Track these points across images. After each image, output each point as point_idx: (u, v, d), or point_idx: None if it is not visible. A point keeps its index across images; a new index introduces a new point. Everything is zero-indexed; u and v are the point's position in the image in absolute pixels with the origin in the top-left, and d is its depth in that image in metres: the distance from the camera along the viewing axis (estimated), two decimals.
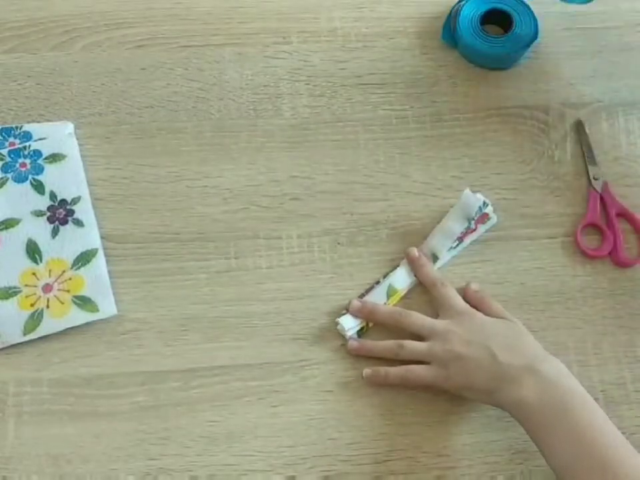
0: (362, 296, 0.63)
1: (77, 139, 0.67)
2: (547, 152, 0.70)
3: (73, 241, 0.64)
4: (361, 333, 0.63)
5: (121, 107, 0.69)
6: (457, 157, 0.69)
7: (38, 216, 0.64)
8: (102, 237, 0.64)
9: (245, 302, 0.64)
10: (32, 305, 0.61)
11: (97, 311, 0.62)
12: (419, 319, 0.61)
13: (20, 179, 0.65)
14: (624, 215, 0.68)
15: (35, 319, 0.61)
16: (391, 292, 0.63)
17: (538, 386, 0.54)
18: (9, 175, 0.65)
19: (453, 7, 0.74)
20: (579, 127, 0.70)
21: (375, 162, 0.69)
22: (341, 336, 0.63)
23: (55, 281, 0.62)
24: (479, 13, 0.72)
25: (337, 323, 0.62)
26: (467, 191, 0.64)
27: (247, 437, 0.60)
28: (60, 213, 0.64)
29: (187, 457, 0.59)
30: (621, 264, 0.66)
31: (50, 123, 0.68)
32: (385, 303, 0.63)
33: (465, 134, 0.70)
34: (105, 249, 0.64)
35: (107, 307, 0.62)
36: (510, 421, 0.60)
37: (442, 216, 0.66)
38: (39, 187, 0.65)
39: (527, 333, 0.60)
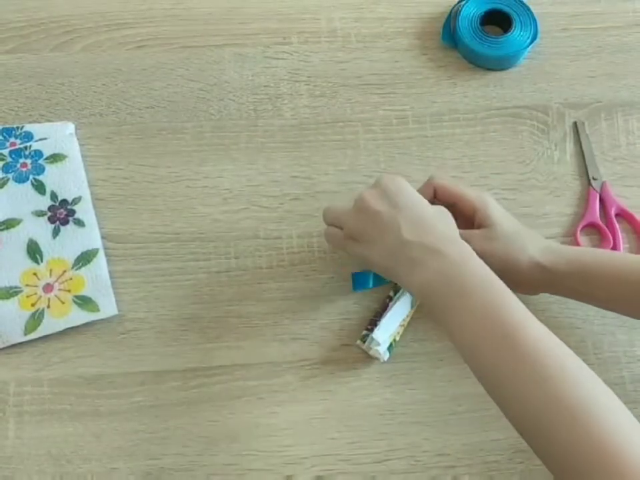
0: (384, 309, 0.62)
1: (78, 139, 0.68)
2: (547, 152, 0.70)
3: (74, 240, 0.64)
4: (392, 347, 0.61)
5: (122, 107, 0.69)
6: (456, 157, 0.69)
7: (39, 216, 0.64)
8: (102, 237, 0.65)
9: (245, 302, 0.64)
10: (33, 305, 0.62)
11: (98, 310, 0.62)
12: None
13: (21, 179, 0.65)
14: (623, 215, 0.68)
15: (36, 318, 0.61)
16: (414, 300, 0.63)
17: (442, 268, 0.52)
18: (10, 175, 0.65)
19: (453, 8, 0.74)
20: (578, 127, 0.71)
21: (375, 162, 0.69)
22: (341, 336, 0.63)
23: (56, 280, 0.63)
24: (478, 13, 0.72)
25: (365, 340, 0.61)
26: None
27: (247, 436, 0.60)
28: (61, 213, 0.65)
29: (187, 456, 0.59)
30: None
31: (51, 123, 0.68)
32: (408, 314, 0.62)
33: (464, 134, 0.70)
34: (105, 248, 0.64)
35: (108, 306, 0.62)
36: None
37: None
38: (39, 187, 0.65)
39: (450, 216, 0.57)
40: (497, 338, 0.49)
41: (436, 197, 0.61)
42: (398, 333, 0.62)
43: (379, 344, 0.60)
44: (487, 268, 0.52)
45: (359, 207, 0.56)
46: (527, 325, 0.49)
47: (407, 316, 0.62)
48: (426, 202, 0.56)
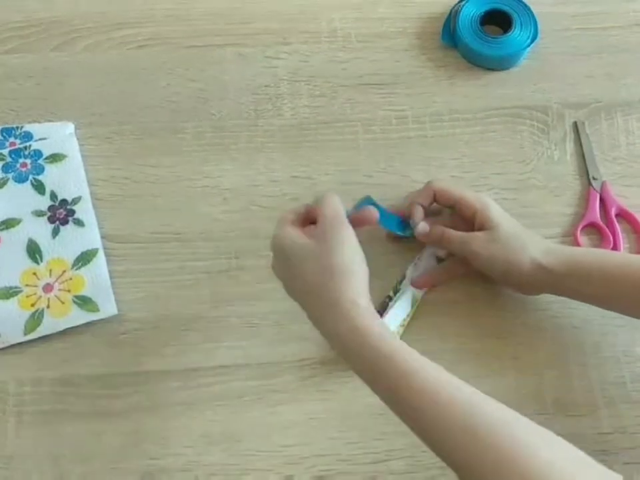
0: (384, 309, 0.62)
1: (78, 139, 0.68)
2: (547, 152, 0.70)
3: (74, 240, 0.64)
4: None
5: (122, 107, 0.69)
6: (456, 156, 0.69)
7: (38, 216, 0.64)
8: (102, 237, 0.65)
9: (245, 302, 0.64)
10: (32, 305, 0.62)
11: (98, 310, 0.62)
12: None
13: (20, 179, 0.65)
14: (623, 214, 0.68)
15: (36, 318, 0.61)
16: (414, 300, 0.63)
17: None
18: (10, 175, 0.65)
19: (453, 8, 0.74)
20: (578, 127, 0.71)
21: (375, 162, 0.69)
22: None
23: (56, 280, 0.63)
24: (478, 13, 0.72)
25: None
26: None
27: (247, 436, 0.60)
28: (60, 213, 0.65)
29: (187, 456, 0.59)
30: None
31: (51, 123, 0.68)
32: (408, 314, 0.62)
33: (464, 134, 0.70)
34: (105, 248, 0.64)
35: (108, 306, 0.62)
36: None
37: None
38: (39, 187, 0.65)
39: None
40: (387, 392, 0.49)
41: (436, 200, 0.62)
42: (398, 333, 0.61)
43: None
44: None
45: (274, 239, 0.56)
46: (415, 373, 0.48)
47: (407, 315, 0.62)
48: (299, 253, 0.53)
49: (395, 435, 0.60)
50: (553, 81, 0.72)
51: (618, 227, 0.67)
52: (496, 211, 0.60)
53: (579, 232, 0.66)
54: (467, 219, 0.61)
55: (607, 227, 0.67)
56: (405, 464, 0.59)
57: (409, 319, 0.62)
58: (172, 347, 0.62)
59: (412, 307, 0.63)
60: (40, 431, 0.59)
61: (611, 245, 0.66)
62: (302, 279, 0.52)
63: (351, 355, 0.50)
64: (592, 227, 0.67)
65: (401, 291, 0.62)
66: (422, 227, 0.62)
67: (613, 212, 0.67)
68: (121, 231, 0.65)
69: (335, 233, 0.52)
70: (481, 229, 0.60)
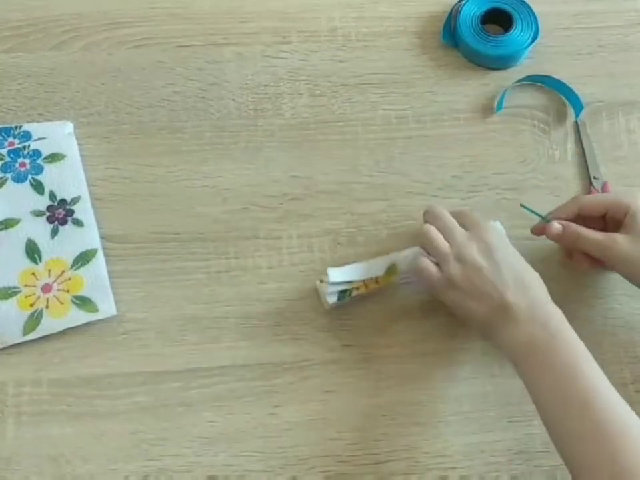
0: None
1: (77, 138, 0.67)
2: (548, 152, 0.70)
3: (73, 240, 0.64)
4: (343, 295, 0.61)
5: (121, 107, 0.69)
6: (456, 156, 0.69)
7: (37, 216, 0.64)
8: (101, 237, 0.64)
9: (245, 302, 0.63)
10: (31, 305, 0.61)
11: (97, 311, 0.62)
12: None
13: (19, 179, 0.65)
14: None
15: (35, 319, 0.61)
16: (390, 269, 0.62)
17: (535, 332, 0.54)
18: (9, 175, 0.65)
19: (453, 7, 0.74)
20: (579, 126, 0.70)
21: (375, 162, 0.69)
22: (341, 336, 0.62)
23: (55, 281, 0.62)
24: (479, 12, 0.72)
25: (322, 280, 0.61)
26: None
27: (247, 437, 0.60)
28: (59, 213, 0.64)
29: (187, 457, 0.59)
30: None
31: (49, 123, 0.68)
32: (375, 277, 0.61)
33: (464, 134, 0.70)
34: (104, 248, 0.64)
35: (107, 307, 0.62)
36: (511, 421, 0.60)
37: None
38: (38, 187, 0.65)
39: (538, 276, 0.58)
40: (569, 399, 0.51)
41: (582, 214, 0.61)
42: (357, 287, 0.61)
43: (329, 282, 0.60)
44: (573, 332, 0.55)
45: (458, 256, 0.57)
46: (599, 390, 0.52)
47: (373, 278, 0.61)
48: (520, 257, 0.58)
49: (396, 436, 0.60)
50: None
51: None
52: None
53: None
54: (617, 222, 0.59)
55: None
56: (406, 465, 0.59)
57: (375, 285, 0.62)
58: (171, 347, 0.62)
59: (384, 274, 0.61)
60: (39, 431, 0.59)
61: None
62: (500, 292, 0.56)
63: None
64: None
65: (382, 257, 0.62)
66: (555, 226, 0.60)
67: None
68: (120, 231, 0.65)
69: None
70: (620, 230, 0.58)
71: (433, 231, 0.60)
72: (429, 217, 0.61)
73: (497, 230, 0.60)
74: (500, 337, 0.56)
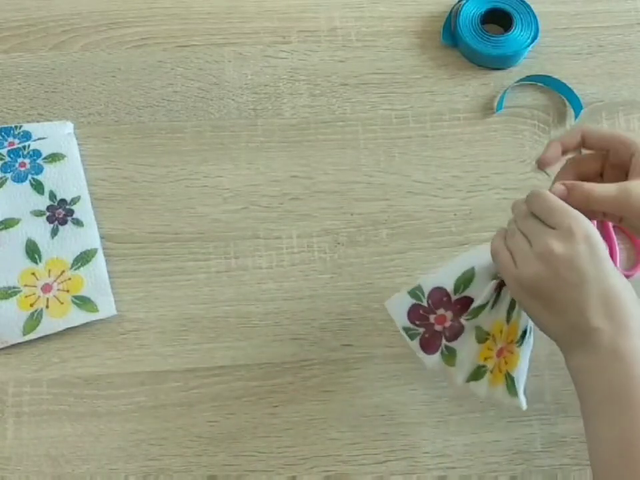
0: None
1: (77, 138, 0.67)
2: None
3: (73, 240, 0.64)
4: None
5: (121, 107, 0.69)
6: (456, 156, 0.69)
7: (37, 216, 0.64)
8: (101, 237, 0.64)
9: (245, 302, 0.63)
10: (31, 305, 0.61)
11: (97, 311, 0.62)
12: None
13: (19, 179, 0.65)
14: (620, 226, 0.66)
15: (35, 319, 0.61)
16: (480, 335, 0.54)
17: (608, 365, 0.46)
18: (9, 175, 0.65)
19: (453, 7, 0.73)
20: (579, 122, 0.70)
21: (375, 162, 0.68)
22: (341, 336, 0.62)
23: (55, 281, 0.62)
24: (479, 12, 0.72)
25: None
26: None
27: (246, 437, 0.60)
28: (59, 213, 0.64)
29: (187, 457, 0.59)
30: None
31: (49, 123, 0.68)
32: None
33: (464, 134, 0.70)
34: (104, 248, 0.64)
35: (106, 307, 0.62)
36: (510, 421, 0.60)
37: (442, 216, 0.66)
38: (38, 187, 0.65)
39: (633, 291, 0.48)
40: (623, 452, 0.44)
41: (585, 145, 0.53)
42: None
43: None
44: None
45: (542, 255, 0.47)
46: None
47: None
48: (616, 272, 0.47)
49: (396, 436, 0.60)
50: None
51: (615, 237, 0.66)
52: None
53: None
54: (622, 163, 0.51)
55: (604, 238, 0.64)
56: (406, 465, 0.59)
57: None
58: (171, 347, 0.62)
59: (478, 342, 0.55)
60: (39, 431, 0.59)
61: (609, 248, 0.65)
62: (581, 310, 0.46)
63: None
64: None
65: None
66: (558, 188, 0.50)
67: (610, 223, 0.66)
68: (120, 230, 0.65)
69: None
70: (629, 176, 0.50)
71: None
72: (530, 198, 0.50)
73: (594, 236, 0.47)
74: (570, 354, 0.48)
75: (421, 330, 0.55)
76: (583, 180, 0.51)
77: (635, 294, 0.47)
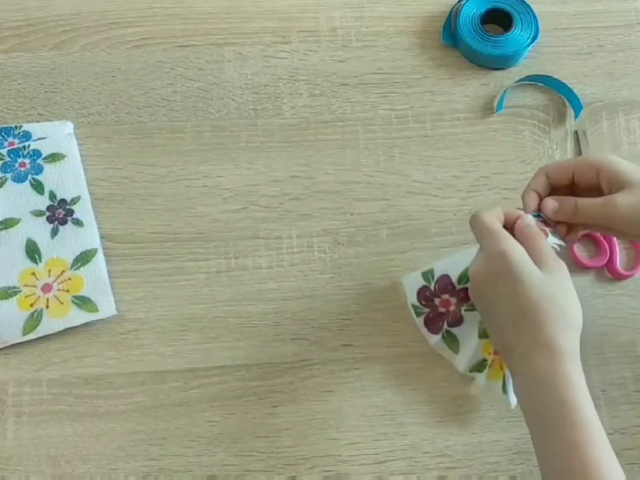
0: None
1: (77, 138, 0.67)
2: (548, 152, 0.70)
3: (73, 240, 0.64)
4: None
5: (121, 107, 0.69)
6: (456, 156, 0.69)
7: (37, 216, 0.64)
8: (101, 237, 0.64)
9: (245, 302, 0.63)
10: (31, 305, 0.61)
11: (97, 311, 0.62)
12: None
13: (19, 179, 0.65)
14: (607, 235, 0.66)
15: (35, 319, 0.61)
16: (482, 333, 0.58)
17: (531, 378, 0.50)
18: (9, 175, 0.65)
19: (453, 7, 0.73)
20: (578, 135, 0.70)
21: (375, 162, 0.68)
22: (341, 336, 0.62)
23: (55, 280, 0.62)
24: (479, 12, 0.72)
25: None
26: None
27: (246, 437, 0.60)
28: (59, 213, 0.64)
29: (187, 457, 0.59)
30: (617, 275, 0.65)
31: (49, 123, 0.68)
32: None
33: (464, 134, 0.70)
34: (104, 248, 0.64)
35: (106, 307, 0.62)
36: (510, 421, 0.60)
37: (442, 216, 0.66)
38: (38, 187, 0.65)
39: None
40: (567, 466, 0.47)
41: (551, 182, 0.56)
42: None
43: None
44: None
45: (471, 276, 0.53)
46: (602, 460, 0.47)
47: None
48: (534, 275, 0.50)
49: (395, 436, 0.60)
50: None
51: (614, 238, 0.66)
52: (623, 164, 0.53)
53: (574, 246, 0.65)
54: (591, 184, 0.54)
55: (604, 237, 0.65)
56: (406, 465, 0.59)
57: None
58: (171, 347, 0.62)
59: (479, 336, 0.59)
60: (39, 431, 0.59)
61: (607, 257, 0.65)
62: (500, 334, 0.51)
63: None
64: (588, 238, 0.66)
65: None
66: (551, 204, 0.54)
67: None
68: (120, 230, 0.65)
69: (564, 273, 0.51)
70: (610, 190, 0.52)
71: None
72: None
73: (502, 245, 0.51)
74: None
75: (426, 310, 0.60)
76: (554, 188, 0.56)
77: (558, 307, 0.50)
